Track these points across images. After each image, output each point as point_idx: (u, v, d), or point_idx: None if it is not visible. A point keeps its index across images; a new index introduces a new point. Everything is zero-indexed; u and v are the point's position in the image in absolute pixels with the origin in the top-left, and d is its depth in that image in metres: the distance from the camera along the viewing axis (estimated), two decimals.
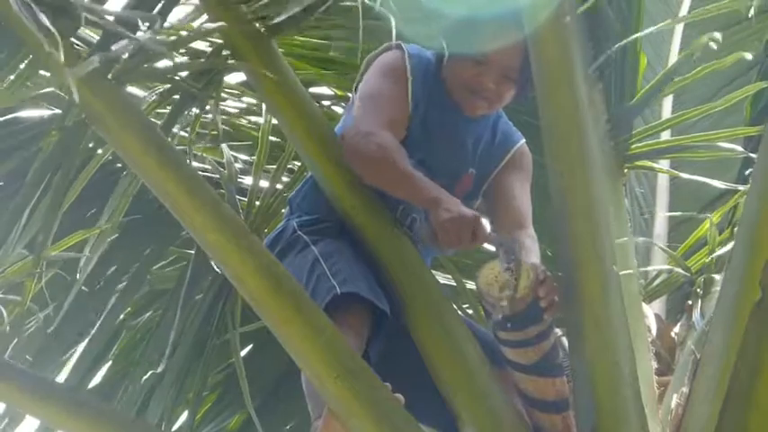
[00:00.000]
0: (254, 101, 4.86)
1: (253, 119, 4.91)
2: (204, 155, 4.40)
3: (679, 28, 6.27)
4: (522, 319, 3.69)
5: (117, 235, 4.73)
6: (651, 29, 4.53)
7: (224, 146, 4.20)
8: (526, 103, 3.94)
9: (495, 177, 4.01)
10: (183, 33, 3.87)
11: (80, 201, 4.15)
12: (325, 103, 4.80)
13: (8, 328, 4.33)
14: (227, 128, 4.82)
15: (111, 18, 3.41)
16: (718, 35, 4.08)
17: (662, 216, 6.05)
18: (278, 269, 3.71)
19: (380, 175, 3.76)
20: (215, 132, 4.23)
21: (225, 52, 3.89)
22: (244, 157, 4.96)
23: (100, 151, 4.08)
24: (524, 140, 4.07)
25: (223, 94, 4.31)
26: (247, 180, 4.64)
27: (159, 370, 4.74)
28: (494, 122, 4.02)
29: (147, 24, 3.40)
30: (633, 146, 4.51)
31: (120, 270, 5.06)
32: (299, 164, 4.42)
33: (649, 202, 6.12)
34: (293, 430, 5.65)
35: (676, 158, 4.91)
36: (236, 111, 4.92)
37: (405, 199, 3.80)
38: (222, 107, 4.69)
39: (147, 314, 5.35)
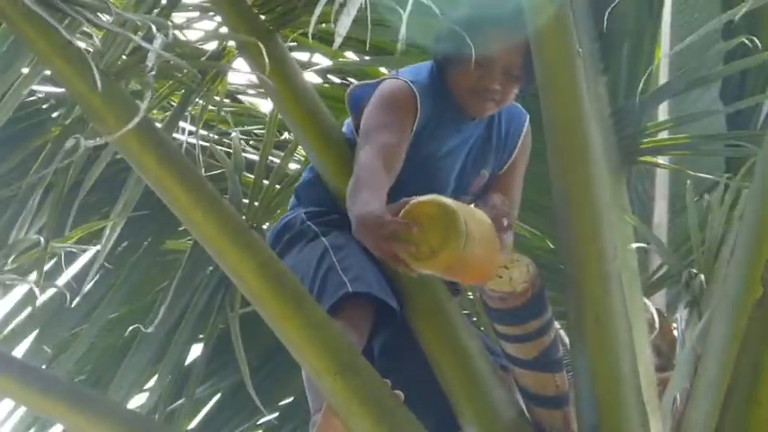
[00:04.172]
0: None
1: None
2: (210, 145, 4.38)
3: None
4: (521, 314, 3.68)
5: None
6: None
7: (233, 134, 4.18)
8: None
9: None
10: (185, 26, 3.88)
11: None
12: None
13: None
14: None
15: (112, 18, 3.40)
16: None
17: (661, 205, 6.04)
18: (278, 266, 3.70)
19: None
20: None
21: (230, 45, 3.88)
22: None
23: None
24: (528, 116, 3.96)
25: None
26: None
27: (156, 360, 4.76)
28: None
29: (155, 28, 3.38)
30: (640, 141, 4.50)
31: (119, 259, 5.05)
32: (303, 157, 4.41)
33: (649, 191, 6.10)
34: (284, 409, 5.67)
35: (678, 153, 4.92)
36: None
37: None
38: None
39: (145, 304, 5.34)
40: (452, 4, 3.75)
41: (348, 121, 3.93)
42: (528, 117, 3.95)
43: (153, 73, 3.29)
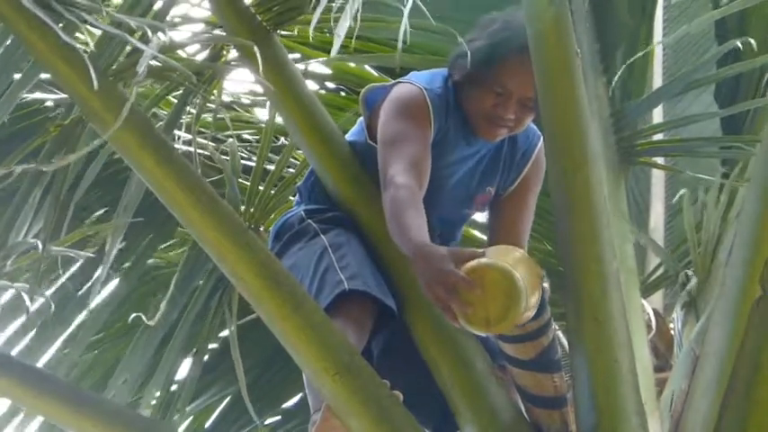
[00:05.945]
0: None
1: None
2: (208, 145, 4.39)
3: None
4: None
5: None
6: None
7: (230, 140, 4.18)
8: None
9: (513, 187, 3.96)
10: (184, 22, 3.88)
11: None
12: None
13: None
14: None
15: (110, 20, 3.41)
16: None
17: (658, 207, 6.05)
18: (276, 266, 3.70)
19: (389, 225, 3.59)
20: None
21: (228, 45, 3.88)
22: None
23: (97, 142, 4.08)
24: (541, 137, 3.92)
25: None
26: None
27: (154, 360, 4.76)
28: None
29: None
30: (639, 142, 4.49)
31: (117, 258, 5.04)
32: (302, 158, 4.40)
33: (645, 193, 6.12)
34: (285, 411, 5.67)
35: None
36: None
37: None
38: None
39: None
40: (474, 32, 3.76)
41: (360, 119, 3.94)
42: (541, 138, 3.90)
43: (144, 73, 3.29)
